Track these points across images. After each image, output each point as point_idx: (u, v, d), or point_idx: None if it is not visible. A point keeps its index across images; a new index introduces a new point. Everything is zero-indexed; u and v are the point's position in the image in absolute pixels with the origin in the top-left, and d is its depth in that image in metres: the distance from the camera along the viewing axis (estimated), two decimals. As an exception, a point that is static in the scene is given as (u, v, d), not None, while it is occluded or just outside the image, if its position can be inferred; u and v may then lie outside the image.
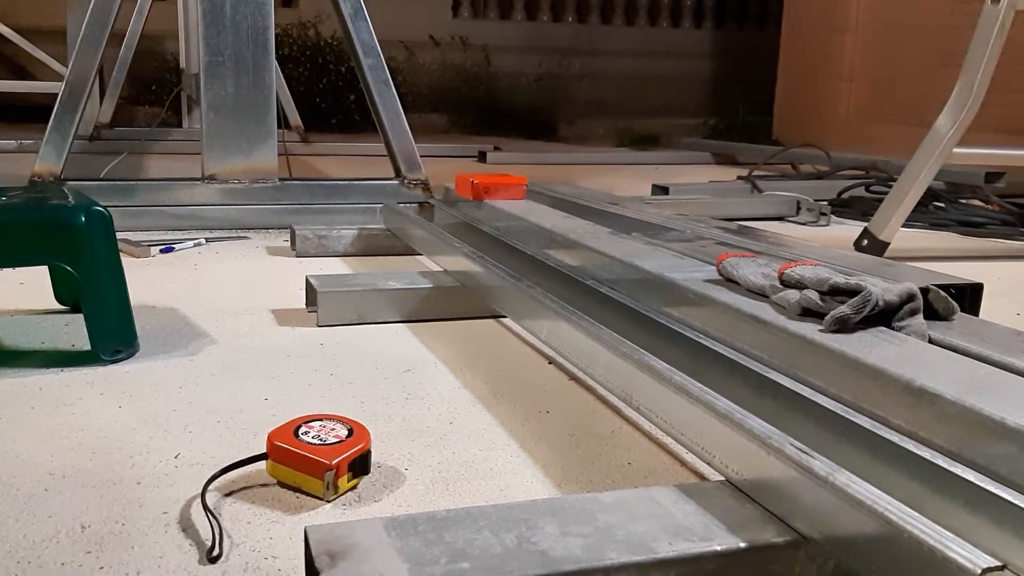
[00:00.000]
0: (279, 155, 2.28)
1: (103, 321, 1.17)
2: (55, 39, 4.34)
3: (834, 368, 0.81)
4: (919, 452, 0.65)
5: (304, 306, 1.47)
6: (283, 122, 3.50)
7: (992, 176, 2.94)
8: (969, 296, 1.07)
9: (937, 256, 2.15)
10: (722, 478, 0.75)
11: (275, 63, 2.25)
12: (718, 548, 0.64)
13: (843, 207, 2.81)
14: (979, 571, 0.52)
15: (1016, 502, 0.57)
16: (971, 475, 0.61)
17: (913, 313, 0.89)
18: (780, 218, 2.68)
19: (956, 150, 2.02)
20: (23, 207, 1.23)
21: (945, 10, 4.02)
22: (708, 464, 0.78)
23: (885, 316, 0.88)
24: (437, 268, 1.59)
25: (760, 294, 0.99)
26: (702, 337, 0.95)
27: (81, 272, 1.15)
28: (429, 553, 0.61)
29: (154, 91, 5.40)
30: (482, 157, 4.30)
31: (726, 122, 6.10)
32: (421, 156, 2.39)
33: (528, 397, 1.09)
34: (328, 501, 0.80)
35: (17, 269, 1.54)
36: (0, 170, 2.90)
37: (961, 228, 2.56)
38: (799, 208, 2.68)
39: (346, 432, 0.84)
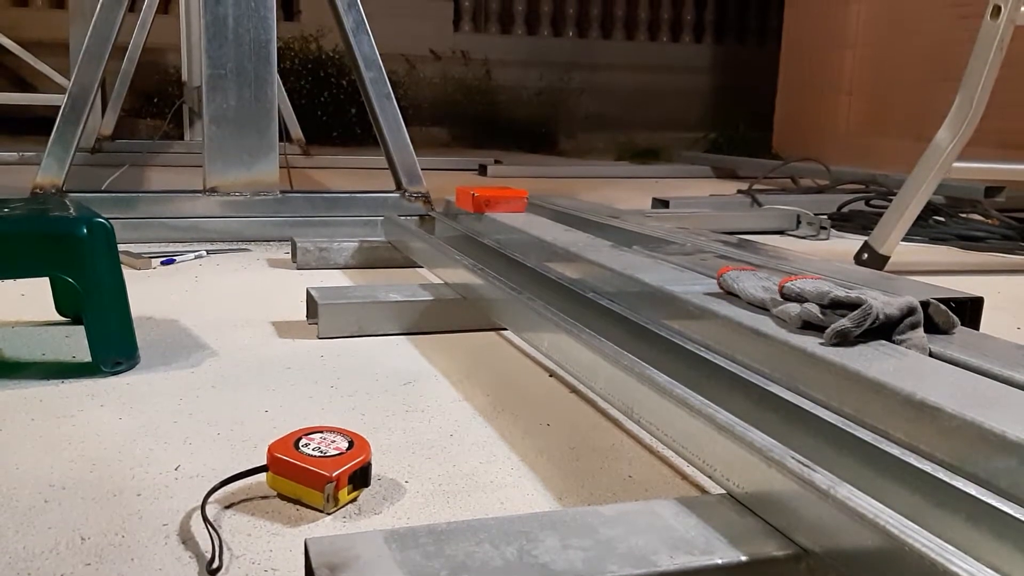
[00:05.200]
0: (280, 168, 2.28)
1: (104, 333, 1.17)
2: (58, 52, 4.36)
3: (835, 381, 0.81)
4: (920, 465, 0.65)
5: (305, 318, 1.47)
6: (284, 135, 3.52)
7: (992, 190, 2.94)
8: (969, 310, 1.07)
9: (937, 270, 2.15)
10: (723, 491, 0.75)
11: (277, 76, 2.26)
12: (719, 561, 0.64)
13: (843, 221, 2.82)
14: (981, 585, 0.52)
15: (1017, 516, 0.57)
16: (972, 489, 0.61)
17: (914, 327, 0.89)
18: (780, 232, 2.69)
19: (956, 164, 2.03)
20: (25, 219, 1.23)
21: (945, 25, 4.04)
22: (709, 477, 0.78)
23: (886, 330, 0.88)
24: (438, 280, 1.59)
25: (761, 307, 0.99)
26: (703, 350, 0.95)
27: (82, 284, 1.15)
28: (429, 566, 0.61)
29: (156, 104, 5.43)
30: (483, 170, 4.31)
31: (726, 136, 6.12)
32: (422, 169, 2.39)
33: (529, 410, 1.09)
34: (328, 513, 0.80)
35: (18, 280, 1.54)
36: (2, 182, 2.91)
37: (961, 242, 2.56)
38: (799, 222, 2.68)
39: (346, 444, 0.84)
